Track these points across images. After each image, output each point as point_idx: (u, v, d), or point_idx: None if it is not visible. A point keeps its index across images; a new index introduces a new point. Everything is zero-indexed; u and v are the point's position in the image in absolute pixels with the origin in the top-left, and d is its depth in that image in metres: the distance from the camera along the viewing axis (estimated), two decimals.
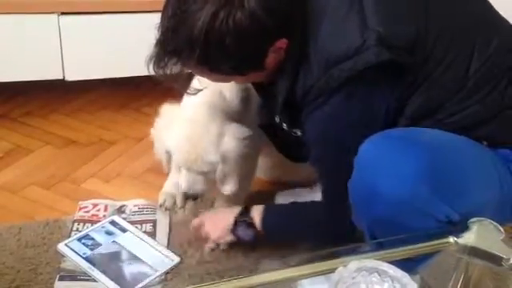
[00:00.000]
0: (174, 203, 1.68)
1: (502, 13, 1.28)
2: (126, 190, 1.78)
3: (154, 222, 1.62)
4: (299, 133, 1.33)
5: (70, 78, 2.01)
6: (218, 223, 1.48)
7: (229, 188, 1.49)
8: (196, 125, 1.42)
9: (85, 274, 1.44)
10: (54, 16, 1.91)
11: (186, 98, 1.49)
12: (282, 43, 1.19)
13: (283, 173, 1.77)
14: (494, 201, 1.17)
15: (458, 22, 1.21)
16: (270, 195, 1.71)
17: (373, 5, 1.14)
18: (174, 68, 1.20)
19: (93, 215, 1.63)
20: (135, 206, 1.68)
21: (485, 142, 1.21)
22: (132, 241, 1.55)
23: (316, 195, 1.40)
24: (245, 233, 1.43)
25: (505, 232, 0.99)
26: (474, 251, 0.98)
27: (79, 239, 1.54)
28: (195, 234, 1.52)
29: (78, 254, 1.49)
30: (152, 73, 1.20)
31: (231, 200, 1.58)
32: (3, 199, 1.71)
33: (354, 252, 1.00)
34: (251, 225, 1.41)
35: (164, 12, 1.18)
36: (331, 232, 1.33)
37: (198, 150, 1.41)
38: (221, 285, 0.89)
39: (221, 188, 1.49)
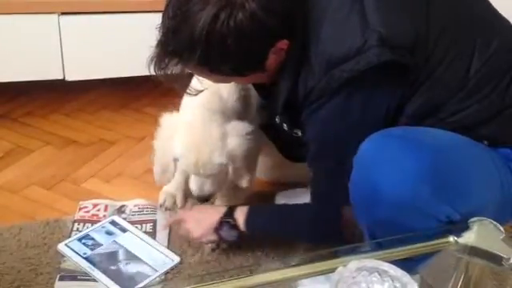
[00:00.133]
0: (174, 203, 1.68)
1: (502, 13, 1.28)
2: (126, 190, 1.78)
3: (154, 222, 1.62)
4: (299, 133, 1.33)
5: (70, 77, 2.01)
6: (202, 222, 1.46)
7: (245, 181, 1.50)
8: (197, 130, 1.42)
9: (85, 274, 1.44)
10: (54, 16, 1.91)
11: (185, 99, 1.50)
12: (283, 44, 1.19)
13: (283, 173, 1.77)
14: (494, 200, 1.17)
15: (458, 21, 1.21)
16: (270, 195, 1.71)
17: (373, 5, 1.14)
18: (174, 69, 1.20)
19: (93, 215, 1.64)
20: (135, 205, 1.68)
21: (486, 142, 1.21)
22: (132, 241, 1.55)
23: None
24: (228, 233, 1.42)
25: (505, 232, 0.99)
26: (474, 251, 0.98)
27: (79, 239, 1.54)
28: (176, 230, 1.52)
29: (79, 254, 1.49)
30: (153, 73, 1.20)
31: (232, 198, 1.58)
32: (3, 199, 1.71)
33: (354, 252, 1.00)
34: (235, 226, 1.41)
35: (165, 13, 1.17)
36: (319, 234, 1.33)
37: (204, 156, 1.41)
38: (221, 285, 0.89)
39: (238, 184, 1.50)
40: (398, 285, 0.84)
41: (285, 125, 1.35)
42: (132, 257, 1.50)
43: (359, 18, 1.13)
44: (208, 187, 1.48)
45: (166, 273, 1.47)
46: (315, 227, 1.34)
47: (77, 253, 1.49)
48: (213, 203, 1.61)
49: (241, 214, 1.40)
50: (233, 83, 1.45)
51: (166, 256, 1.51)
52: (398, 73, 1.15)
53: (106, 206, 1.67)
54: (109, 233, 1.57)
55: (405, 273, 0.85)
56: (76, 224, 1.60)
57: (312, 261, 0.96)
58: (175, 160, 1.47)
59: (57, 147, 1.97)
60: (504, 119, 1.21)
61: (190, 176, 1.51)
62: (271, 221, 1.42)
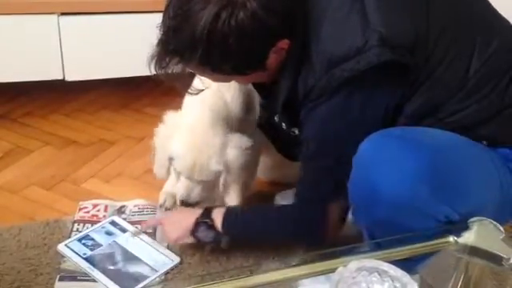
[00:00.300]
0: (175, 203, 1.68)
1: (502, 13, 1.28)
2: (126, 190, 1.78)
3: None
4: (297, 132, 1.33)
5: (70, 78, 2.01)
6: (178, 224, 1.45)
7: (232, 199, 1.50)
8: (199, 134, 1.43)
9: (85, 274, 1.44)
10: (54, 16, 1.91)
11: (187, 99, 1.50)
12: (284, 44, 1.19)
13: (283, 173, 1.77)
14: (493, 201, 1.17)
15: (458, 20, 1.21)
16: (270, 195, 1.71)
17: (374, 4, 1.14)
18: (175, 68, 1.20)
19: (93, 215, 1.63)
20: (135, 206, 1.68)
21: (485, 142, 1.21)
22: (132, 241, 1.55)
23: None
24: (205, 234, 1.41)
25: (505, 231, 0.99)
26: (474, 251, 0.98)
27: (79, 240, 1.54)
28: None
29: (78, 255, 1.49)
30: (153, 72, 1.20)
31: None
32: (3, 199, 1.71)
33: (353, 252, 1.00)
34: (212, 226, 1.39)
35: (166, 12, 1.18)
36: (302, 234, 1.33)
37: (201, 160, 1.41)
38: (221, 285, 0.89)
39: (224, 197, 1.49)
40: (397, 285, 0.84)
41: (283, 124, 1.35)
42: (132, 257, 1.50)
43: (360, 17, 1.13)
44: (195, 194, 1.48)
45: (166, 273, 1.47)
46: (299, 227, 1.33)
47: (77, 253, 1.49)
48: None
49: (218, 215, 1.39)
50: (236, 87, 1.46)
51: (166, 256, 1.51)
52: (398, 73, 1.15)
53: (106, 207, 1.67)
54: (109, 233, 1.57)
55: (405, 273, 0.85)
56: (76, 224, 1.60)
57: (312, 261, 0.96)
58: (170, 159, 1.47)
59: (57, 147, 1.97)
60: (503, 119, 1.21)
61: (180, 178, 1.51)
62: (251, 220, 1.40)
